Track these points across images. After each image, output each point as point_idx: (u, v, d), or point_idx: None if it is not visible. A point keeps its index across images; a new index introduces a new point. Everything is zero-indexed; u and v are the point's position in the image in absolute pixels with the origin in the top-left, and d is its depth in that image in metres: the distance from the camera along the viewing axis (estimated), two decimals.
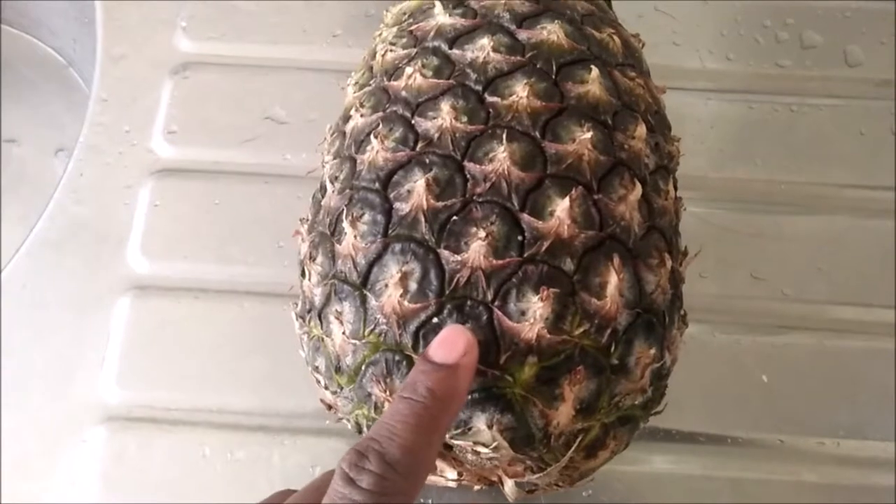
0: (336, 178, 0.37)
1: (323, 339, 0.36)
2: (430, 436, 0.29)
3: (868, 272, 0.53)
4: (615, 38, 0.39)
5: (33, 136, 0.79)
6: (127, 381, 0.50)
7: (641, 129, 0.36)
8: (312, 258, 0.37)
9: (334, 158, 0.39)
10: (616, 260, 0.33)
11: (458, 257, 0.32)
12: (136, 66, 0.59)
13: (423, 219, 0.33)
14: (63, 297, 0.52)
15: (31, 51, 0.81)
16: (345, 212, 0.35)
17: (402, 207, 0.34)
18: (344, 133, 0.39)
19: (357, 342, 0.34)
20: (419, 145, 0.35)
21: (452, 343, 0.31)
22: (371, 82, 0.39)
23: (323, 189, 0.38)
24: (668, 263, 0.35)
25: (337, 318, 0.34)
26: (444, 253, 0.32)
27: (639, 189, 0.35)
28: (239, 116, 0.57)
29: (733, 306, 0.53)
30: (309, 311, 0.37)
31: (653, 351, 0.34)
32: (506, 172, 0.33)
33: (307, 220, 0.40)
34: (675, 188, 0.39)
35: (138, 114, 0.58)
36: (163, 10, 0.61)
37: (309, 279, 0.37)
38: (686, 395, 0.49)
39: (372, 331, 0.33)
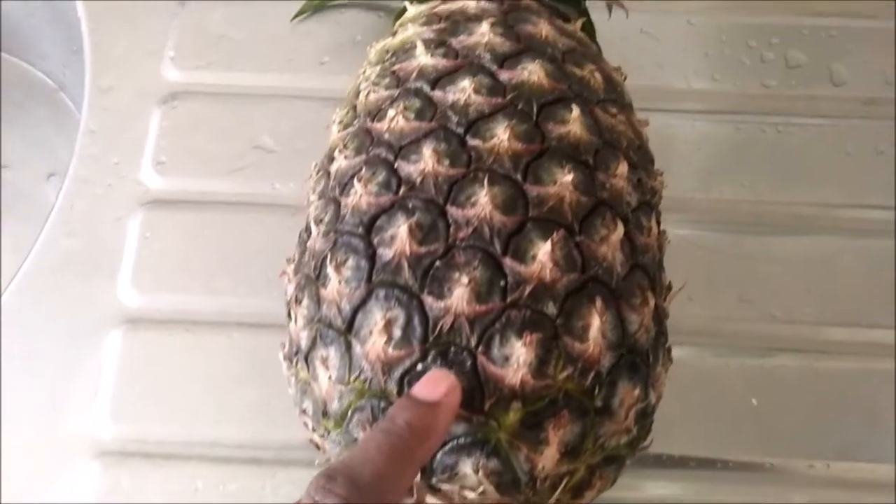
0: (321, 220, 0.37)
1: (310, 383, 0.36)
2: (402, 467, 0.30)
3: (856, 292, 0.54)
4: (596, 74, 0.39)
5: (24, 161, 0.79)
6: (120, 415, 0.50)
7: (623, 168, 0.37)
8: (298, 301, 0.37)
9: (319, 199, 0.39)
10: (598, 303, 0.33)
11: (442, 303, 0.32)
12: (125, 97, 0.59)
13: (406, 265, 0.33)
14: (55, 331, 0.53)
15: (21, 75, 0.81)
16: (329, 256, 0.35)
17: (386, 253, 0.34)
18: (329, 173, 0.39)
19: (343, 388, 0.34)
20: (402, 190, 0.35)
21: (435, 383, 0.31)
22: (354, 122, 0.39)
23: (308, 230, 0.39)
24: (651, 302, 0.36)
25: (323, 364, 0.35)
26: (428, 299, 0.33)
27: (621, 229, 0.35)
28: (227, 146, 0.57)
29: (722, 329, 0.53)
30: (296, 354, 0.37)
31: (637, 391, 0.34)
32: (487, 217, 0.33)
33: (293, 259, 0.40)
34: (659, 223, 0.40)
35: (127, 145, 0.58)
36: (150, 40, 0.61)
37: (295, 322, 0.37)
38: (676, 420, 0.49)
39: (357, 377, 0.33)
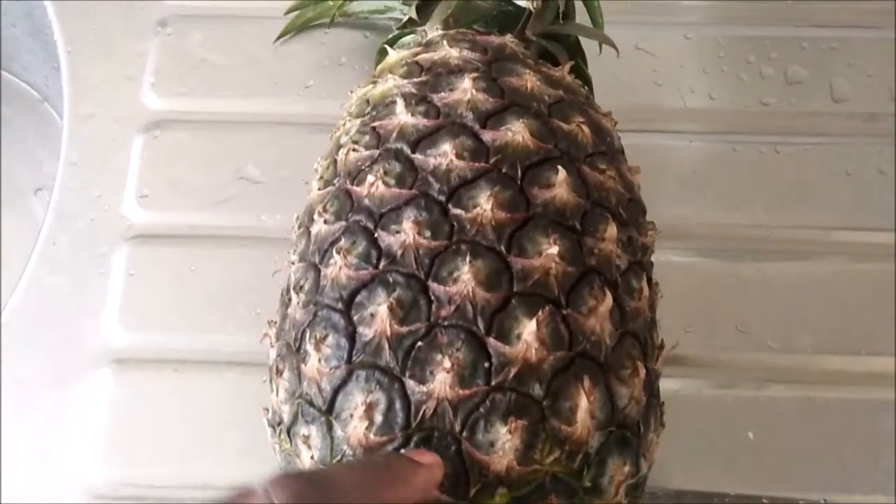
0: (301, 287, 0.36)
1: (293, 456, 0.35)
2: (367, 492, 0.29)
3: (855, 319, 0.53)
4: (584, 127, 0.38)
5: (10, 175, 0.78)
6: (111, 459, 0.50)
7: (612, 230, 0.35)
8: (279, 372, 0.36)
9: (300, 261, 0.38)
10: (586, 381, 0.32)
11: (424, 388, 0.32)
12: (105, 126, 0.58)
13: (387, 345, 0.32)
14: (42, 372, 0.52)
15: (4, 85, 0.80)
16: (308, 332, 0.34)
17: (366, 332, 0.33)
18: (309, 233, 0.38)
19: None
20: (382, 263, 0.34)
21: (419, 453, 0.31)
22: (335, 181, 0.38)
23: (289, 293, 0.38)
24: (642, 371, 0.35)
25: (305, 443, 0.34)
26: (410, 383, 0.32)
27: (609, 299, 0.34)
28: (211, 177, 0.56)
29: (718, 360, 0.52)
30: (279, 425, 0.37)
31: (627, 468, 0.33)
32: (470, 294, 0.32)
33: (275, 323, 0.39)
34: (650, 280, 0.38)
35: (109, 177, 0.56)
36: (129, 64, 0.59)
37: (277, 394, 0.36)
38: (672, 454, 0.48)
39: (339, 460, 0.33)
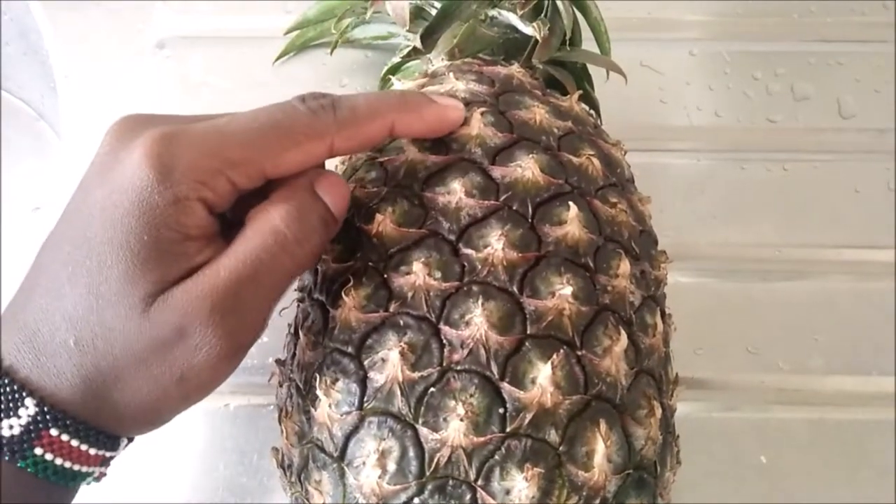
0: (309, 327, 0.36)
1: (304, 500, 0.35)
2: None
3: (866, 338, 0.52)
4: (594, 160, 0.37)
5: (7, 193, 0.77)
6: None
7: (625, 266, 0.35)
8: (288, 414, 0.36)
9: (308, 298, 0.37)
10: (602, 426, 0.32)
11: (438, 435, 0.31)
12: None
13: (398, 391, 0.32)
14: None
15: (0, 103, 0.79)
16: (318, 377, 0.33)
17: (378, 378, 0.32)
18: (317, 271, 0.37)
19: None
20: (392, 305, 0.33)
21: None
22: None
23: (297, 334, 0.37)
24: (658, 411, 0.34)
25: (316, 488, 0.33)
26: (423, 430, 0.31)
27: (624, 338, 0.33)
28: None
29: (729, 382, 0.52)
30: (289, 468, 0.36)
31: None
32: (483, 338, 0.32)
33: (283, 363, 0.38)
34: (664, 314, 0.38)
35: None
36: (129, 87, 0.59)
37: (286, 437, 0.36)
38: (683, 478, 0.47)
39: None
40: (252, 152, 0.31)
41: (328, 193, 0.33)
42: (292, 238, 0.32)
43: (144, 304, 0.30)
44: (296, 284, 0.39)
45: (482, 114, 0.36)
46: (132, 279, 0.30)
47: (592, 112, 0.44)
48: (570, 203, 0.34)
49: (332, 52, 0.51)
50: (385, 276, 0.34)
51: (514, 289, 0.33)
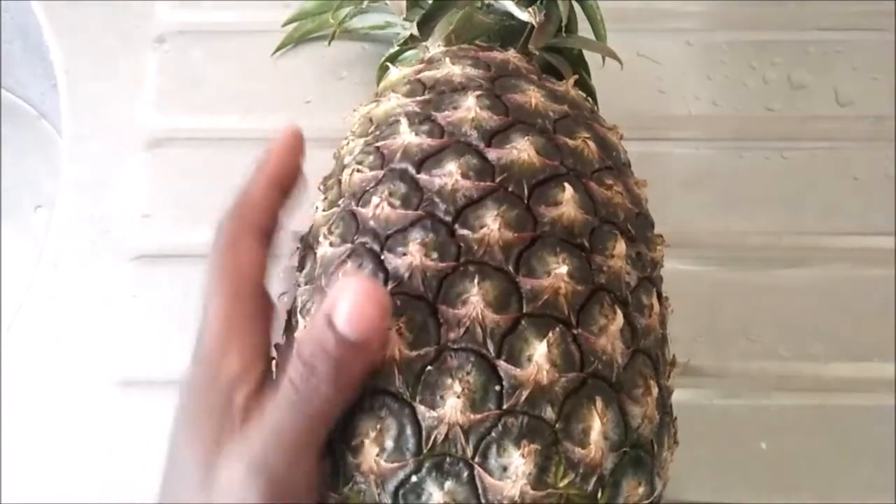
0: (308, 311, 0.36)
1: None
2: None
3: (866, 325, 0.52)
4: (590, 143, 0.37)
5: (8, 192, 0.78)
6: (121, 473, 0.49)
7: (621, 246, 0.35)
8: None
9: (307, 283, 0.38)
10: (599, 403, 0.32)
11: (435, 413, 0.31)
12: (105, 145, 0.58)
13: (396, 370, 0.32)
14: (42, 394, 0.51)
15: (1, 101, 0.79)
16: None
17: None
18: (315, 255, 0.37)
19: (336, 496, 0.33)
20: (389, 285, 0.33)
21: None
22: (340, 202, 0.38)
23: (295, 318, 0.37)
24: (655, 390, 0.34)
25: None
26: (420, 408, 0.31)
27: (620, 317, 0.33)
28: (213, 195, 0.55)
29: (729, 369, 0.52)
30: None
31: (642, 488, 0.33)
32: (480, 316, 0.32)
33: (280, 347, 0.38)
34: (660, 296, 0.38)
35: (110, 197, 0.56)
36: (129, 81, 0.59)
37: None
38: (685, 466, 0.47)
39: (351, 488, 0.32)
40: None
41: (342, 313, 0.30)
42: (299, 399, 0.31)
43: None
44: (297, 271, 0.40)
45: (478, 97, 0.37)
46: None
47: (588, 98, 0.44)
48: (566, 184, 0.35)
49: (329, 43, 0.51)
50: (382, 257, 0.34)
51: (510, 268, 0.33)
